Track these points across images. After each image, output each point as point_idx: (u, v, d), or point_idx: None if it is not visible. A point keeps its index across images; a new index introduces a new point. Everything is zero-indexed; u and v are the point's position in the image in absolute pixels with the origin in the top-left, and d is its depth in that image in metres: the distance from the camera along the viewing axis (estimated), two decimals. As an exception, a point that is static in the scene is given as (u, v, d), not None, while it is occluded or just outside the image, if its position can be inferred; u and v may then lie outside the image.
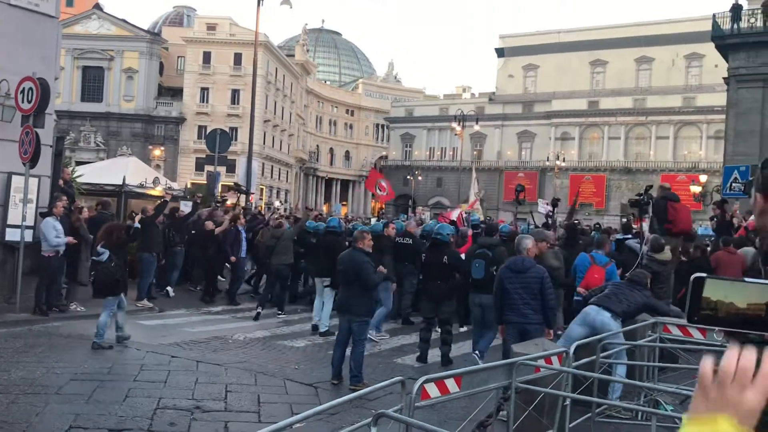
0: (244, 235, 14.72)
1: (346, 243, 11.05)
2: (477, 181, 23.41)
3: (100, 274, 9.09)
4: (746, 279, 0.96)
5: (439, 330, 9.66)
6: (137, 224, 11.35)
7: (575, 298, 9.46)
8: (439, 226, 10.94)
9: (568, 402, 5.37)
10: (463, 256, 10.42)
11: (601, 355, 6.25)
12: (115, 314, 9.21)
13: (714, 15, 29.27)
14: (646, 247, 9.74)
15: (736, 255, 10.74)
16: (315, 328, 11.30)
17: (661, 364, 7.49)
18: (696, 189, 40.64)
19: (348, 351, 8.12)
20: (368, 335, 9.24)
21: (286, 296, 13.72)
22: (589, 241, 12.23)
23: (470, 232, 13.63)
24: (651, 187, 11.68)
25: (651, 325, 7.28)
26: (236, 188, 19.58)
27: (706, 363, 0.95)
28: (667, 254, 9.89)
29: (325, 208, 68.08)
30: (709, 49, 40.00)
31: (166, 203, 14.21)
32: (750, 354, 0.89)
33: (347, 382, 7.93)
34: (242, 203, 19.64)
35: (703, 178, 45.83)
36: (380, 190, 25.19)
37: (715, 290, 0.96)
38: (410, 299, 12.68)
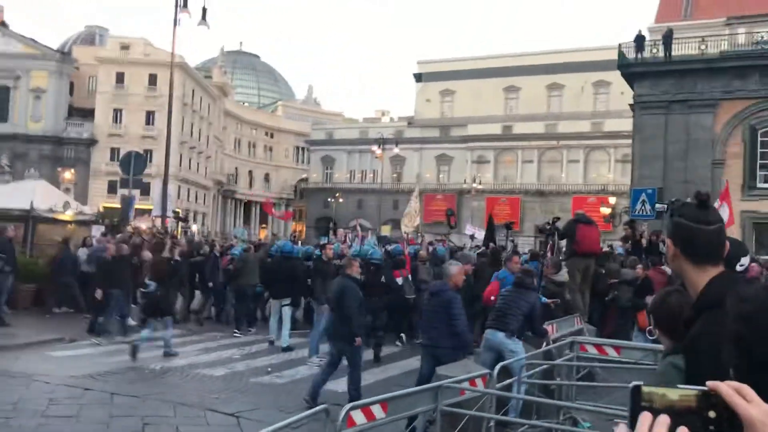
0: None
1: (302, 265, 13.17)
2: (416, 201, 24.49)
3: (150, 300, 11.24)
4: (678, 386, 1.05)
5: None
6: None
7: None
8: (373, 251, 12.99)
9: (492, 423, 5.43)
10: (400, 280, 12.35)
11: (523, 375, 6.36)
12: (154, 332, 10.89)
13: (620, 45, 30.73)
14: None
15: (664, 274, 11.43)
16: (271, 343, 12.49)
17: (577, 383, 7.69)
18: (606, 210, 42.35)
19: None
20: (310, 361, 10.48)
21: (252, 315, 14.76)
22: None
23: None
24: (558, 219, 12.14)
25: (569, 344, 7.47)
26: (178, 218, 19.42)
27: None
28: (563, 276, 10.37)
29: (261, 234, 66.99)
30: (615, 76, 41.83)
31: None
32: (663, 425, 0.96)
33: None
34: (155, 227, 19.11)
35: (612, 200, 47.84)
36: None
37: (651, 389, 1.06)
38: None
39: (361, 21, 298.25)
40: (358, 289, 8.61)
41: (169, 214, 26.75)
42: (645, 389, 1.03)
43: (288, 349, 11.91)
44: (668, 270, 11.56)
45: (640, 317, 10.76)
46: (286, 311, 12.35)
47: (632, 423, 1.04)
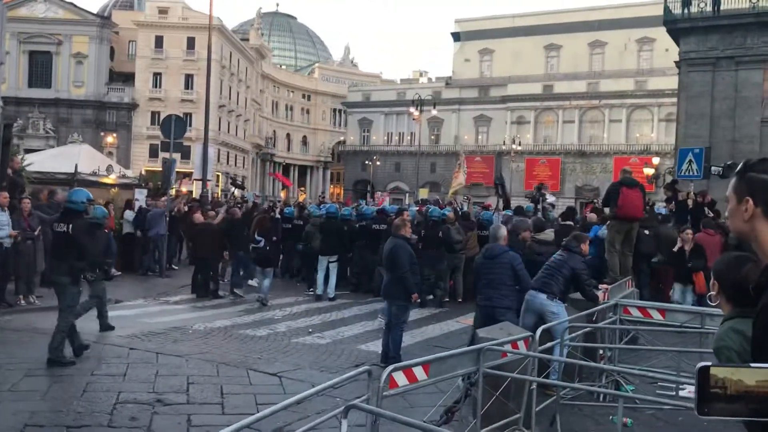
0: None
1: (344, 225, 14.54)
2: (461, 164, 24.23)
3: (260, 254, 13.03)
4: (751, 365, 0.93)
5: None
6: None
7: None
8: (433, 209, 14.97)
9: (534, 386, 5.39)
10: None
11: (566, 338, 6.29)
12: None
13: (665, 0, 29.71)
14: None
15: (715, 236, 11.18)
16: (318, 297, 13.63)
17: (620, 346, 7.59)
18: (649, 171, 41.50)
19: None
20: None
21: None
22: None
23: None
24: (543, 185, 12.20)
25: (612, 306, 7.37)
26: (234, 183, 19.89)
27: None
28: (549, 235, 10.57)
29: (282, 195, 67.46)
30: (660, 33, 40.59)
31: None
32: None
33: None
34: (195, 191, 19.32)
35: (655, 160, 46.82)
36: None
37: (722, 371, 0.92)
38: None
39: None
40: (409, 248, 8.72)
41: (210, 177, 27.02)
42: (715, 371, 0.91)
43: (334, 299, 13.50)
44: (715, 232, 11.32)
45: (697, 281, 10.57)
46: (333, 267, 13.79)
47: (700, 408, 0.94)
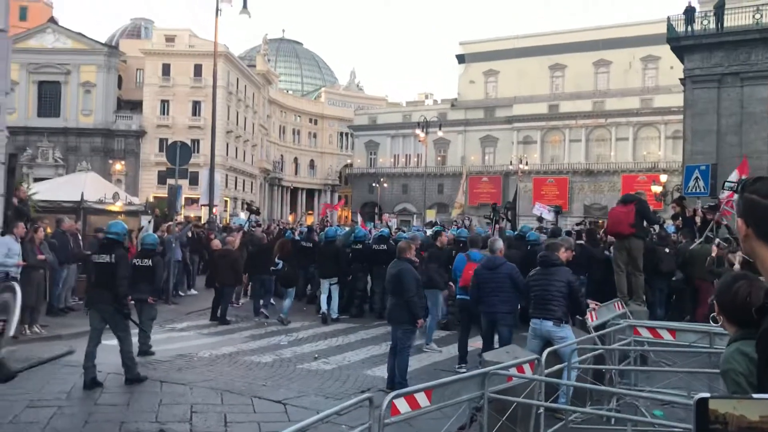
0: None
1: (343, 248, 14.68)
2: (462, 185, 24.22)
3: (281, 277, 13.84)
4: (754, 396, 0.84)
5: None
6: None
7: (458, 296, 10.17)
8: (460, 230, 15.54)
9: (541, 410, 5.28)
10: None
11: (573, 361, 6.17)
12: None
13: (668, 18, 29.76)
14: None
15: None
16: (324, 319, 13.75)
17: (633, 368, 7.44)
18: (657, 189, 41.30)
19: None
20: (424, 347, 10.75)
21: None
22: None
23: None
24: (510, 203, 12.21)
25: (623, 329, 7.25)
26: (250, 209, 19.99)
27: None
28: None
29: (291, 218, 67.50)
30: (664, 51, 40.65)
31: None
32: None
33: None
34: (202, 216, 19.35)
35: (663, 177, 46.62)
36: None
37: (722, 405, 0.82)
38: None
39: (402, 4, 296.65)
40: (415, 272, 8.64)
41: (216, 202, 27.06)
42: (715, 405, 0.82)
43: (337, 320, 13.76)
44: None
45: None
46: (334, 289, 14.12)
47: None
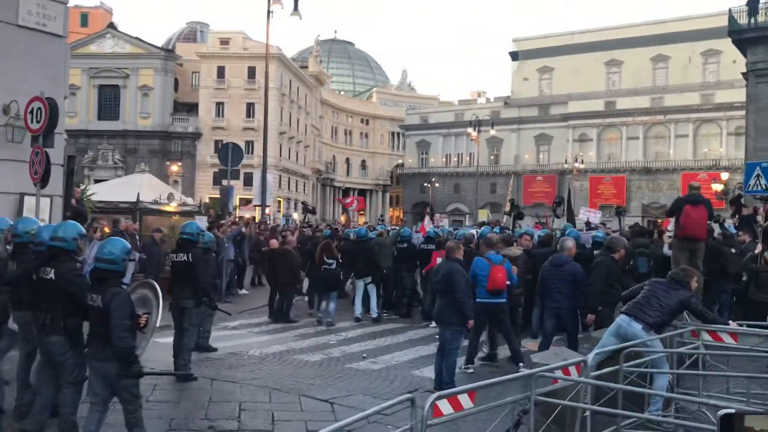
0: None
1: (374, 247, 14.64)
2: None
3: (330, 276, 13.38)
4: None
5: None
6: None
7: (478, 300, 8.90)
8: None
9: (588, 413, 5.13)
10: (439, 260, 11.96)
11: (627, 364, 5.97)
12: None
13: (730, 10, 28.80)
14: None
15: None
16: (357, 320, 13.70)
17: (701, 372, 7.09)
18: (718, 187, 40.02)
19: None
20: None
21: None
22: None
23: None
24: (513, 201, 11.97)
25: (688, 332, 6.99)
26: (306, 209, 20.33)
27: None
28: (513, 251, 10.77)
29: (342, 219, 67.89)
30: (726, 44, 39.44)
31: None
32: None
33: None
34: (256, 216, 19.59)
35: (724, 175, 45.20)
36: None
37: (758, 422, 0.73)
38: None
39: (454, 2, 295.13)
40: (464, 272, 8.50)
41: (269, 202, 27.40)
42: (751, 422, 0.72)
43: (378, 318, 13.81)
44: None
45: None
46: (370, 288, 14.20)
47: None
